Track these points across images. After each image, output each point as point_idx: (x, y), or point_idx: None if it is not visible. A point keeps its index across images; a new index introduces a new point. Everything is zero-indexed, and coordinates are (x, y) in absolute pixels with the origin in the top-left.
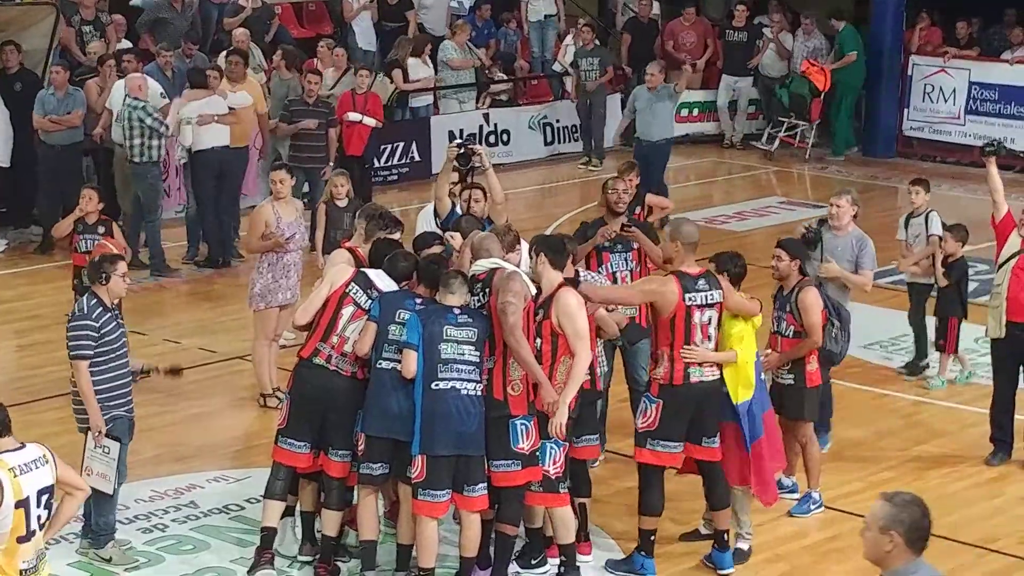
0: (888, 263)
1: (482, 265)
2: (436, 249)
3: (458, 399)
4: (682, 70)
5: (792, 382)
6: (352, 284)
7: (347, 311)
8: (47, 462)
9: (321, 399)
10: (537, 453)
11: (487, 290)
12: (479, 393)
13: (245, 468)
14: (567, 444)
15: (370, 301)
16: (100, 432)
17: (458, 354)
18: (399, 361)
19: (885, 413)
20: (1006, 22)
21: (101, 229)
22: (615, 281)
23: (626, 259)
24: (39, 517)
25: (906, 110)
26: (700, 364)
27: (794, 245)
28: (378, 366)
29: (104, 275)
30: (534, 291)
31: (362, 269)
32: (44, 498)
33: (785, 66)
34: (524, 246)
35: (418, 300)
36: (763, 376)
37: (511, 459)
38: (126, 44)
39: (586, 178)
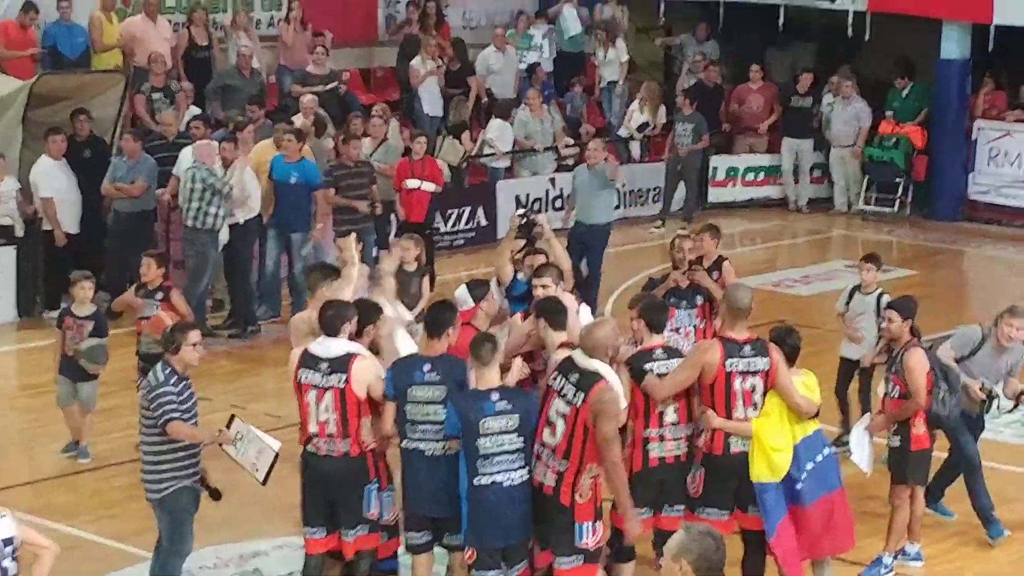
0: (954, 326)
1: (586, 366)
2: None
3: (500, 492)
4: (609, 162)
5: (898, 444)
6: (300, 371)
7: (310, 396)
8: (3, 515)
9: (320, 485)
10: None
11: (583, 394)
12: (525, 479)
13: None
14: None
15: (324, 377)
16: (220, 432)
17: (498, 446)
18: (420, 439)
19: None
20: None
21: (159, 295)
22: (677, 333)
23: (691, 315)
24: (6, 570)
25: (971, 174)
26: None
27: (905, 306)
28: (403, 446)
29: (174, 344)
30: (624, 402)
31: (307, 348)
32: (8, 549)
33: (852, 133)
34: (585, 309)
35: (426, 367)
36: (815, 460)
37: (575, 554)
38: (195, 111)
39: (657, 241)
